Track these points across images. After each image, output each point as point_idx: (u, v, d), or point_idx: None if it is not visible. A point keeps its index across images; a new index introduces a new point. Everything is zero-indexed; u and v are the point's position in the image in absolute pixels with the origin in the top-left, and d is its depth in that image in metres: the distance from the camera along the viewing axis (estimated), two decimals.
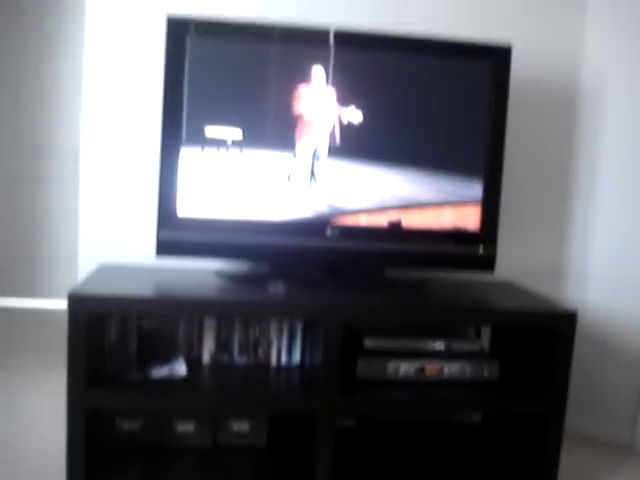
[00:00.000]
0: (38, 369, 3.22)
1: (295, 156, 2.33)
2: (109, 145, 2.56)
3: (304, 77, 2.32)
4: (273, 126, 2.32)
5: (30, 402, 2.84)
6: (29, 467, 2.26)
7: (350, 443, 2.50)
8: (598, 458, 2.62)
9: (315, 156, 2.34)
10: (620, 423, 2.77)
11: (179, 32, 2.26)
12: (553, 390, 2.26)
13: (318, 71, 2.31)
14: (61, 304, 4.39)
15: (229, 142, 2.30)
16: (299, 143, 2.33)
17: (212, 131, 2.29)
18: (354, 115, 2.34)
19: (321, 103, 2.33)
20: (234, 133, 2.30)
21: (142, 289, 2.20)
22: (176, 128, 2.28)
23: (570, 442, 2.45)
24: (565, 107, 2.75)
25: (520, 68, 2.56)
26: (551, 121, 2.75)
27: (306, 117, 2.33)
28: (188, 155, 2.28)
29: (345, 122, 2.34)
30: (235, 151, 2.30)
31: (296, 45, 2.33)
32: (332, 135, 2.34)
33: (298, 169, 2.34)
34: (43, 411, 2.72)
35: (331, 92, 2.33)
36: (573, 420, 2.62)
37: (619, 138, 2.70)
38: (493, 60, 2.41)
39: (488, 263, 2.47)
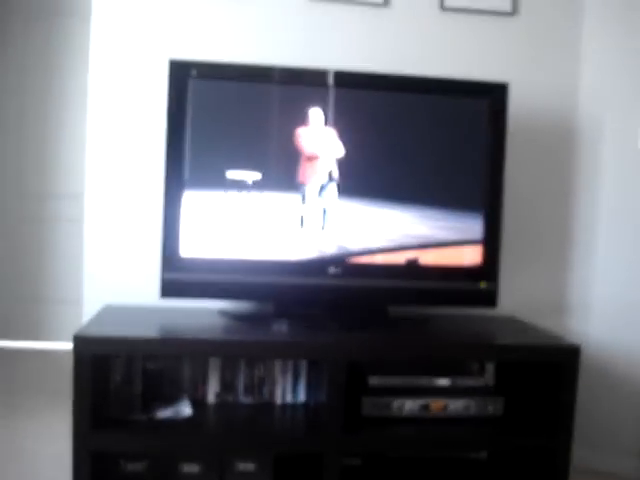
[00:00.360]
0: (43, 411, 3.21)
1: (304, 199, 2.36)
2: (113, 187, 2.59)
3: (304, 118, 2.35)
4: (275, 167, 2.35)
5: (35, 444, 2.83)
6: None
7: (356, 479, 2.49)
8: None
9: (318, 196, 2.37)
10: (626, 455, 2.75)
11: (181, 75, 2.30)
12: (559, 424, 2.25)
13: (316, 112, 2.35)
14: (66, 345, 4.38)
15: (234, 183, 2.33)
16: (302, 183, 2.36)
17: (214, 172, 2.32)
18: (340, 151, 2.37)
19: (322, 143, 2.36)
20: (237, 174, 2.33)
21: (147, 330, 2.21)
22: (179, 169, 2.30)
23: (576, 475, 2.43)
24: (563, 143, 2.78)
25: (518, 106, 2.60)
26: (550, 157, 2.78)
27: (307, 157, 2.36)
28: (191, 196, 2.30)
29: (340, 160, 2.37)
30: (237, 192, 2.33)
31: (296, 86, 2.37)
32: (333, 174, 2.37)
33: (302, 209, 2.36)
34: (48, 453, 2.71)
35: (332, 132, 2.36)
36: (579, 453, 2.61)
37: (617, 172, 2.73)
38: (491, 98, 2.44)
39: (490, 299, 2.47)
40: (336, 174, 2.37)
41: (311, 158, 2.36)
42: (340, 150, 2.36)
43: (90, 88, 2.58)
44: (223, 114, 2.34)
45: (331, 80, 2.35)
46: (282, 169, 2.36)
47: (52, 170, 4.53)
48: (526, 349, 2.27)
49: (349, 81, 2.38)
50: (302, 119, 2.35)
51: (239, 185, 2.33)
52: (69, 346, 2.07)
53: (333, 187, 2.37)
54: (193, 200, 2.30)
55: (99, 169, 2.59)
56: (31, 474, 2.53)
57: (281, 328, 2.33)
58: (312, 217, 2.37)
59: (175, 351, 2.19)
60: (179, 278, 2.32)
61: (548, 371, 2.33)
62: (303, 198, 2.36)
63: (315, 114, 2.35)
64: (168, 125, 2.30)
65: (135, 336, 2.12)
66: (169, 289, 2.32)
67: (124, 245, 2.59)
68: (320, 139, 2.35)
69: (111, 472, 2.35)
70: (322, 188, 2.37)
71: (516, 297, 2.75)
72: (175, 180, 2.31)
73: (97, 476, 2.13)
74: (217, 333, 2.26)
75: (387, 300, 2.47)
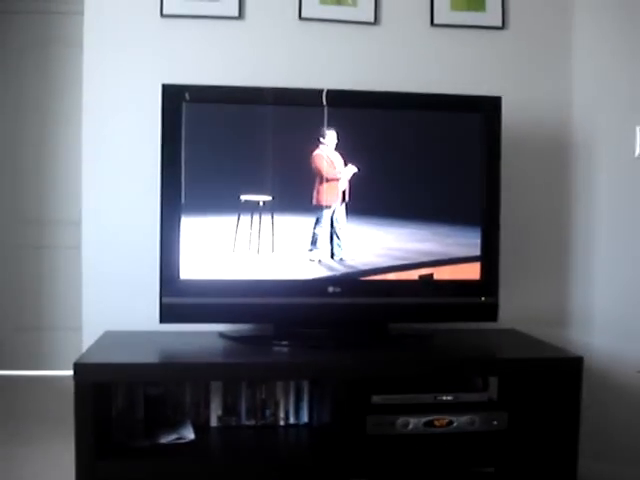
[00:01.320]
0: (44, 439, 3.19)
1: (319, 221, 2.37)
2: (110, 212, 2.59)
3: (298, 139, 2.36)
4: (270, 188, 2.35)
5: (36, 473, 2.81)
6: None
7: None
8: None
9: (320, 218, 2.37)
10: (632, 465, 2.73)
11: (174, 98, 2.31)
12: (563, 436, 2.25)
13: (331, 134, 2.36)
14: (67, 373, 4.37)
15: (232, 205, 2.33)
16: (318, 204, 2.37)
17: (209, 195, 2.33)
18: (349, 172, 2.37)
19: (339, 164, 2.37)
20: (233, 195, 2.33)
21: (147, 356, 2.21)
22: (175, 193, 2.31)
23: None
24: (559, 155, 2.78)
25: (512, 120, 2.59)
26: (546, 169, 2.78)
27: (326, 179, 2.36)
28: (187, 220, 2.30)
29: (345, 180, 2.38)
30: (236, 214, 2.33)
31: (289, 107, 2.38)
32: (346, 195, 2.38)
33: (316, 230, 2.37)
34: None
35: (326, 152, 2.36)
36: (584, 464, 2.57)
37: (614, 183, 2.73)
38: (484, 111, 2.45)
39: (491, 313, 2.47)
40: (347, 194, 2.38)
41: (329, 180, 2.37)
42: (353, 170, 2.37)
43: (84, 115, 2.59)
44: (218, 137, 2.35)
45: (324, 99, 2.36)
46: (279, 189, 2.36)
47: (50, 197, 4.53)
48: (529, 362, 2.27)
49: (342, 100, 2.39)
50: (296, 140, 2.36)
51: (238, 207, 2.33)
52: (70, 374, 2.06)
53: (343, 208, 2.38)
54: (189, 223, 2.31)
55: (95, 195, 2.59)
56: None
57: (282, 349, 2.32)
58: (323, 237, 2.37)
59: (176, 376, 2.18)
60: (178, 302, 2.31)
61: (551, 383, 2.32)
62: (318, 220, 2.37)
63: (330, 136, 2.36)
64: (163, 149, 2.31)
65: (136, 362, 2.12)
66: (168, 314, 2.31)
67: (123, 270, 2.59)
68: (336, 160, 2.37)
69: None
70: (326, 210, 2.38)
71: (516, 310, 2.74)
72: (171, 204, 2.31)
73: None
74: (218, 356, 2.26)
75: (387, 317, 2.47)
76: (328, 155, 2.36)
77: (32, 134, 4.51)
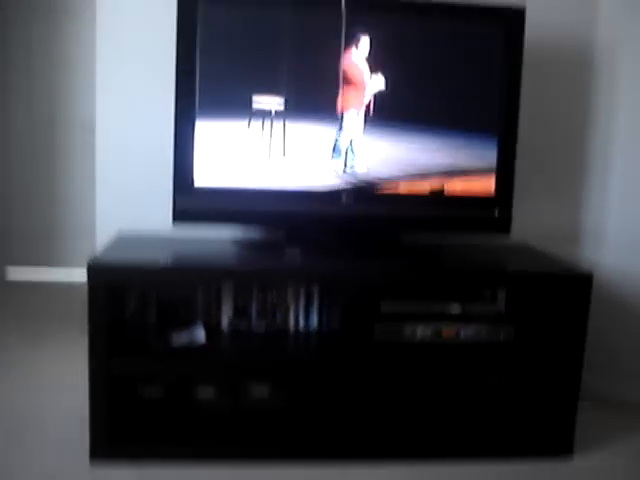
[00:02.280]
0: (59, 340, 3.26)
1: (341, 128, 2.34)
2: (125, 114, 2.56)
3: (314, 44, 2.31)
4: (287, 92, 2.32)
5: (52, 372, 2.88)
6: (54, 435, 2.30)
7: (368, 404, 2.52)
8: (614, 418, 2.63)
9: (341, 126, 2.34)
10: (636, 383, 2.77)
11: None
12: (569, 352, 2.27)
13: (365, 40, 2.31)
14: (79, 273, 4.41)
15: (250, 111, 2.30)
16: (341, 111, 2.34)
17: (225, 98, 2.29)
18: (379, 82, 2.33)
19: (366, 72, 2.33)
20: (255, 101, 2.30)
21: (160, 259, 2.22)
22: (190, 96, 2.27)
23: (586, 402, 2.46)
24: (580, 71, 2.72)
25: (535, 33, 2.52)
26: (567, 85, 2.73)
27: (353, 85, 2.32)
28: (202, 123, 2.28)
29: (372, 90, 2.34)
30: (254, 120, 2.30)
31: (308, 12, 2.32)
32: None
33: (338, 138, 2.34)
34: (66, 381, 2.76)
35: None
36: (589, 380, 2.62)
37: (635, 100, 2.67)
38: (508, 22, 2.38)
39: (504, 226, 2.47)
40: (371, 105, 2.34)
41: (357, 86, 2.32)
42: (380, 81, 2.33)
43: (98, 15, 2.53)
44: (233, 39, 2.30)
45: (344, 5, 2.30)
46: (295, 95, 2.32)
47: (64, 98, 4.49)
48: (538, 276, 2.27)
49: (362, 5, 2.32)
50: (312, 45, 2.31)
51: (256, 113, 2.30)
52: (84, 275, 2.08)
53: (361, 118, 2.35)
54: (204, 127, 2.28)
55: (110, 96, 2.56)
56: (50, 401, 2.58)
57: (294, 255, 2.34)
58: (344, 146, 2.35)
59: (189, 279, 2.21)
60: (192, 205, 2.31)
61: (560, 299, 2.33)
62: (340, 127, 2.34)
63: (363, 42, 2.31)
64: (177, 50, 2.26)
65: (149, 264, 2.14)
66: (181, 215, 2.32)
67: (137, 172, 2.58)
68: (365, 68, 2.32)
69: (128, 397, 2.40)
70: (346, 117, 2.34)
71: (530, 225, 2.73)
72: (185, 107, 2.28)
73: (114, 401, 2.17)
74: (230, 260, 2.27)
75: (400, 228, 2.47)
76: (358, 63, 2.32)
77: (45, 33, 4.44)
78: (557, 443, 2.32)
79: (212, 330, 2.38)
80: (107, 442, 2.14)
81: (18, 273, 4.53)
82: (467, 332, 2.34)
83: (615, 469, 2.28)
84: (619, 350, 2.77)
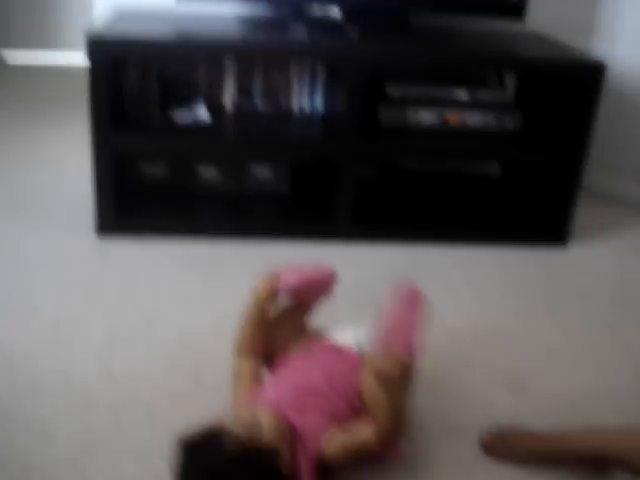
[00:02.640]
0: (62, 121, 3.23)
1: None
2: None
3: None
4: None
5: (56, 153, 2.88)
6: (60, 211, 2.33)
7: (370, 192, 2.54)
8: (613, 214, 2.66)
9: None
10: (636, 180, 2.78)
11: None
12: (575, 142, 2.25)
13: None
14: (79, 56, 4.29)
15: None
16: None
17: None
18: None
19: None
20: None
21: (162, 33, 2.14)
22: None
23: (587, 197, 2.48)
24: None
25: None
26: None
27: None
28: None
29: None
30: None
31: None
32: None
33: None
34: (69, 160, 2.76)
35: None
36: (593, 176, 2.62)
37: None
38: None
39: (518, 10, 2.36)
40: None
41: None
42: None
43: None
44: None
45: None
46: None
47: None
48: (550, 63, 2.20)
49: None
50: None
51: None
52: (83, 59, 2.01)
53: None
54: None
55: None
56: (54, 180, 2.60)
57: (299, 33, 2.25)
58: None
59: (191, 53, 2.14)
60: None
61: (571, 88, 2.27)
62: None
63: None
64: None
65: (150, 37, 2.06)
66: None
67: None
68: None
69: (131, 176, 2.41)
70: None
71: (545, 14, 2.61)
72: None
73: (117, 179, 2.18)
74: (234, 35, 2.19)
75: (411, 5, 2.36)
76: None
77: None
78: (553, 233, 2.36)
79: (215, 110, 2.34)
80: (112, 218, 2.17)
81: (16, 56, 4.41)
82: (474, 119, 2.30)
83: (605, 259, 2.33)
84: (625, 147, 2.75)
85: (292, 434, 1.24)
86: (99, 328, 1.74)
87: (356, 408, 1.31)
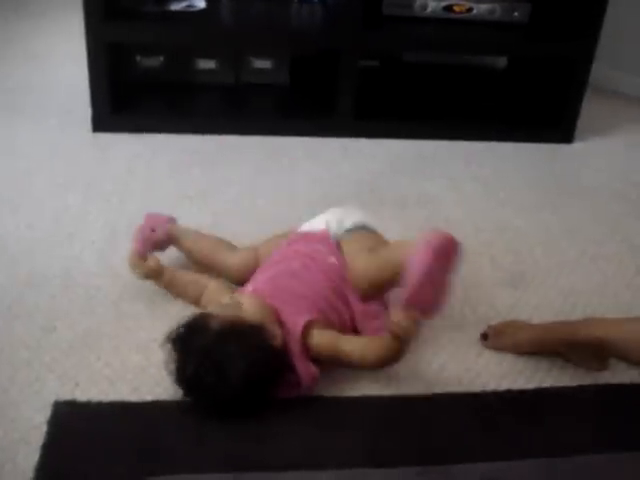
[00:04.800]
0: (55, 11, 3.12)
1: None
2: None
3: None
4: None
5: (48, 45, 2.79)
6: (55, 106, 2.28)
7: (373, 82, 2.47)
8: (620, 111, 2.60)
9: None
10: None
11: None
12: (583, 36, 2.18)
13: None
14: None
15: None
16: None
17: None
18: None
19: None
20: None
21: None
22: None
23: (592, 93, 2.42)
24: None
25: None
26: None
27: None
28: None
29: None
30: None
31: None
32: None
33: None
34: (63, 51, 2.68)
35: None
36: (597, 69, 2.54)
37: None
38: None
39: None
40: None
41: None
42: None
43: None
44: None
45: None
46: None
47: None
48: None
49: None
50: None
51: None
52: None
53: None
54: None
55: None
56: (48, 74, 2.54)
57: None
58: None
59: None
60: None
61: None
62: None
63: None
64: None
65: None
66: None
67: None
68: None
69: (127, 68, 2.34)
70: None
71: None
72: None
73: (113, 72, 2.12)
74: None
75: None
76: None
77: None
78: (558, 128, 2.32)
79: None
80: (108, 113, 2.12)
81: None
82: (480, 8, 2.21)
83: (609, 155, 2.31)
84: (632, 41, 2.66)
85: (277, 316, 1.25)
86: (99, 223, 1.73)
87: (337, 287, 1.32)
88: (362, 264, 1.32)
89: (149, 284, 1.49)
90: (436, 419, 1.25)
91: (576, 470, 1.13)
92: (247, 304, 1.23)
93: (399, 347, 1.21)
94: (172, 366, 1.20)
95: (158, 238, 1.52)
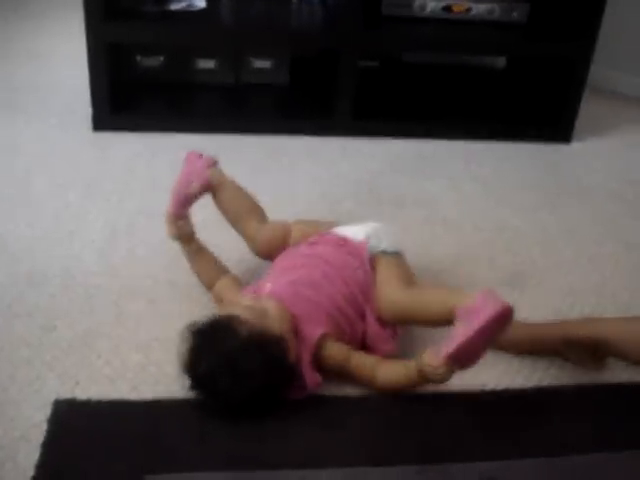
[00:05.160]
0: (55, 11, 3.12)
1: None
2: None
3: None
4: None
5: (49, 45, 2.79)
6: (56, 106, 2.28)
7: (372, 82, 2.48)
8: (618, 111, 2.61)
9: None
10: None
11: None
12: (582, 36, 2.18)
13: None
14: None
15: None
16: None
17: None
18: None
19: None
20: None
21: None
22: None
23: (591, 93, 2.42)
24: None
25: None
26: None
27: None
28: None
29: None
30: None
31: None
32: None
33: None
34: (63, 53, 2.68)
35: None
36: (595, 70, 2.54)
37: None
38: None
39: None
40: None
41: None
42: None
43: None
44: None
45: None
46: None
47: None
48: None
49: None
50: None
51: None
52: None
53: None
54: None
55: None
56: (49, 73, 2.54)
57: None
58: None
59: None
60: None
61: None
62: None
63: None
64: None
65: None
66: None
67: None
68: None
69: (127, 68, 2.35)
70: None
71: None
72: None
73: (113, 72, 2.12)
74: None
75: None
76: None
77: None
78: (557, 129, 2.32)
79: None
80: (108, 112, 2.12)
81: None
82: (479, 8, 2.22)
83: (607, 155, 2.31)
84: (634, 45, 2.66)
85: (294, 324, 1.25)
86: (99, 222, 1.73)
87: (356, 300, 1.33)
88: (395, 294, 1.32)
89: (149, 284, 1.50)
90: (435, 418, 1.25)
91: (575, 469, 1.14)
92: (273, 312, 1.23)
93: (421, 383, 1.23)
94: (185, 356, 1.20)
95: (193, 192, 1.48)
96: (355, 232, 1.44)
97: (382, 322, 1.33)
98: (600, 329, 1.35)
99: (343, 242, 1.42)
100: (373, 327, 1.33)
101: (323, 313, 1.29)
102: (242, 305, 1.25)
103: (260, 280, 1.39)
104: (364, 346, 1.33)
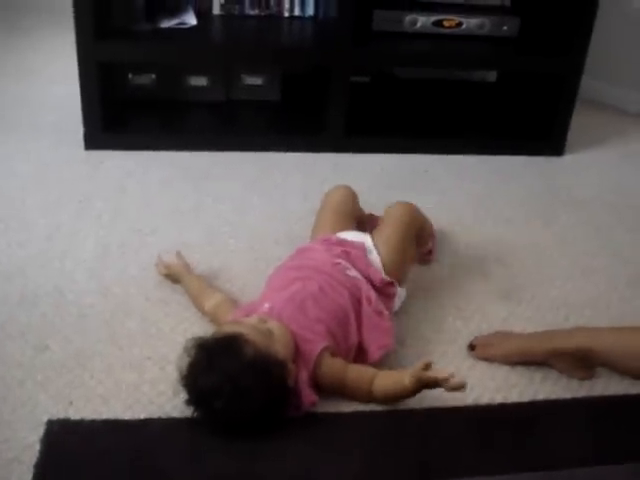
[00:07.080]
0: (46, 30, 3.12)
1: None
2: None
3: None
4: None
5: (41, 62, 2.79)
6: (47, 125, 2.28)
7: (364, 98, 2.48)
8: (609, 123, 2.62)
9: None
10: (631, 89, 2.72)
11: None
12: (572, 50, 2.19)
13: None
14: None
15: None
16: None
17: None
18: None
19: None
20: None
21: None
22: None
23: (584, 105, 2.43)
24: None
25: None
26: None
27: None
28: None
29: None
30: None
31: None
32: None
33: None
34: (56, 71, 2.68)
35: None
36: (586, 82, 2.55)
37: None
38: None
39: None
40: None
41: None
42: None
43: None
44: None
45: None
46: None
47: None
48: None
49: None
50: None
51: None
52: None
53: None
54: None
55: None
56: (41, 90, 2.54)
57: None
58: None
59: None
60: None
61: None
62: None
63: None
64: None
65: None
66: None
67: None
68: None
69: (119, 85, 2.34)
70: None
71: None
72: None
73: (105, 90, 2.12)
74: None
75: None
76: None
77: None
78: (549, 142, 2.33)
79: (203, 17, 2.25)
80: (100, 131, 2.11)
81: None
82: (470, 23, 2.23)
83: (599, 167, 2.32)
84: (625, 55, 2.67)
85: (295, 343, 1.25)
86: (91, 241, 1.72)
87: (351, 304, 1.35)
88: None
89: (141, 303, 1.49)
90: (431, 434, 1.24)
91: None
92: (277, 334, 1.23)
93: (418, 390, 1.23)
94: (186, 370, 1.19)
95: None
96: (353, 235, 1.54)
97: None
98: (587, 339, 1.36)
99: (342, 239, 1.51)
100: (369, 318, 1.35)
101: (321, 327, 1.29)
102: (248, 324, 1.24)
103: (255, 300, 1.39)
104: (360, 350, 1.34)
